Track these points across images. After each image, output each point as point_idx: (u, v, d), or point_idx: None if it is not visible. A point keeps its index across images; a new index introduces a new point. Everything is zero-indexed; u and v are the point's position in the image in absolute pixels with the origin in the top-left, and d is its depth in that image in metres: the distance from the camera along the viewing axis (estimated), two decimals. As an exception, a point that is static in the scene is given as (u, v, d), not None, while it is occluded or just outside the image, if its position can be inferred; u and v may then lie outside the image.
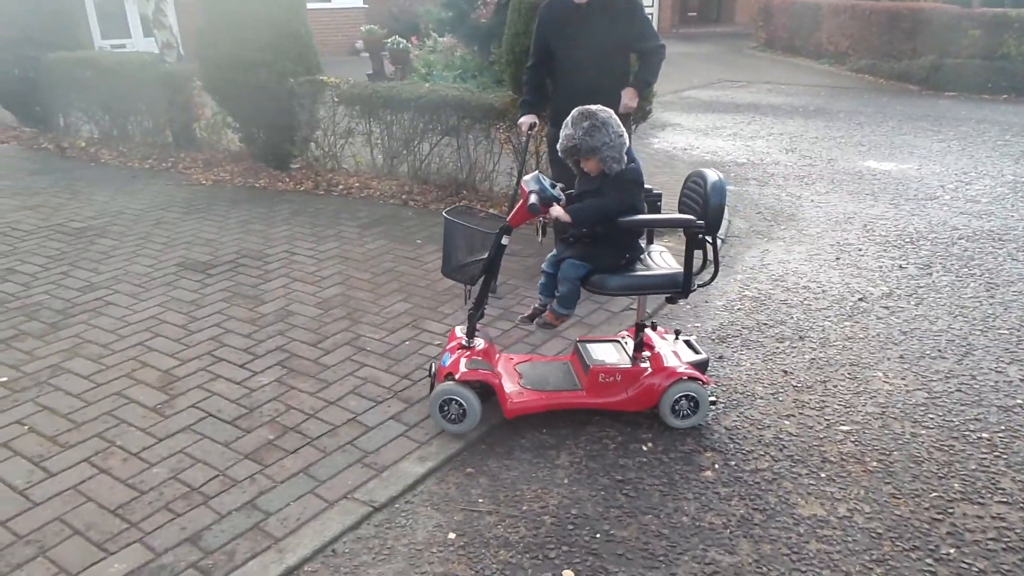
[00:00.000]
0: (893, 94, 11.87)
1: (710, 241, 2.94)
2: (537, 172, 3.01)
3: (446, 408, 2.96)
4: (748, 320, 4.05)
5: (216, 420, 3.07)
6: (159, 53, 7.49)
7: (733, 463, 2.83)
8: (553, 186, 2.92)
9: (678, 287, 2.94)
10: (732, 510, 2.58)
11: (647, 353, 3.16)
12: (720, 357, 3.65)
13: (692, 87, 12.72)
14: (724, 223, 5.54)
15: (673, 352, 3.16)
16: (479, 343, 3.15)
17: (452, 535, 2.48)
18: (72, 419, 3.07)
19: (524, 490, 2.70)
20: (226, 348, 3.66)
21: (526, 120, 4.38)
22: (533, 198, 2.81)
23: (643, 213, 2.99)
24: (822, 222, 5.69)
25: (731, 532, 2.47)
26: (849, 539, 2.43)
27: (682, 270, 2.92)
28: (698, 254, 2.91)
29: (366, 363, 3.54)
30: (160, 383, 3.34)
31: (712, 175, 2.93)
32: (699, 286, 3.02)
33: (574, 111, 2.89)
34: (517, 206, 2.94)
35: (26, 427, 3.01)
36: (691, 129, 9.24)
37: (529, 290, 4.30)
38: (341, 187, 6.42)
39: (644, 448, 2.93)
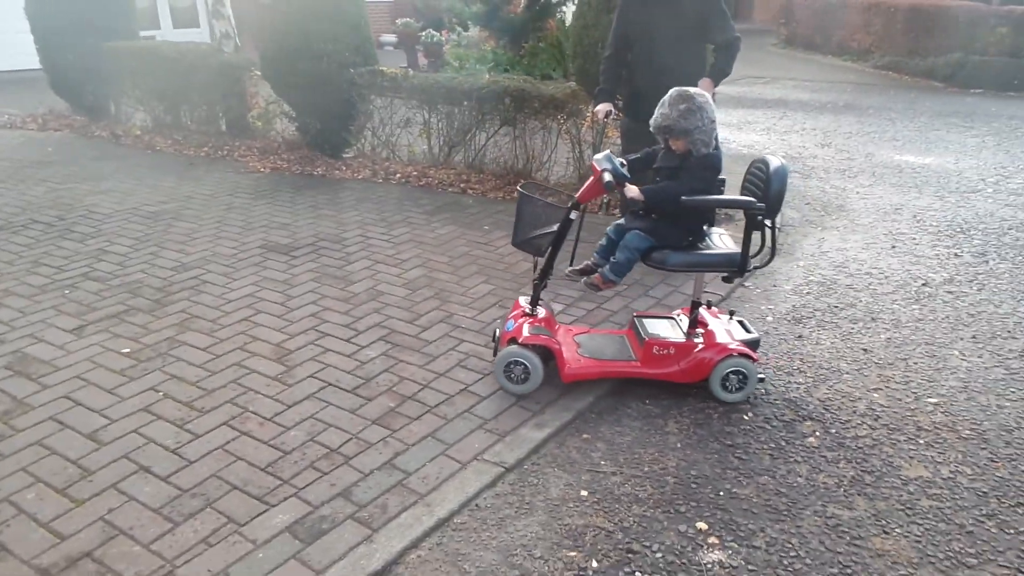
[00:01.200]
0: (919, 91, 12.02)
1: (769, 224, 3.10)
2: (608, 151, 3.15)
3: (511, 370, 3.18)
4: (819, 303, 4.22)
5: (337, 389, 3.25)
6: (217, 43, 7.63)
7: (833, 431, 3.01)
8: (623, 164, 3.08)
9: (735, 266, 3.10)
10: (842, 472, 2.75)
11: (701, 330, 3.31)
12: (799, 336, 3.82)
13: (719, 82, 12.85)
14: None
15: (726, 330, 3.32)
16: (541, 312, 3.35)
17: (584, 492, 2.66)
18: (201, 387, 3.25)
19: (641, 453, 2.88)
20: (328, 324, 3.83)
21: (603, 108, 4.54)
22: (607, 176, 2.97)
23: (711, 195, 3.13)
24: (871, 213, 5.85)
25: (845, 491, 2.65)
26: (957, 497, 2.61)
27: (739, 250, 3.08)
28: (756, 237, 3.07)
29: (464, 339, 3.71)
30: (275, 355, 3.52)
31: (775, 161, 3.07)
32: (755, 268, 3.20)
33: (672, 92, 3.04)
34: (587, 183, 3.12)
35: (161, 393, 3.19)
36: (723, 123, 9.37)
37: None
38: (399, 176, 6.59)
39: (745, 417, 3.11)
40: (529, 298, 3.35)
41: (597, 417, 3.12)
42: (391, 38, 15.76)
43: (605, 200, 3.23)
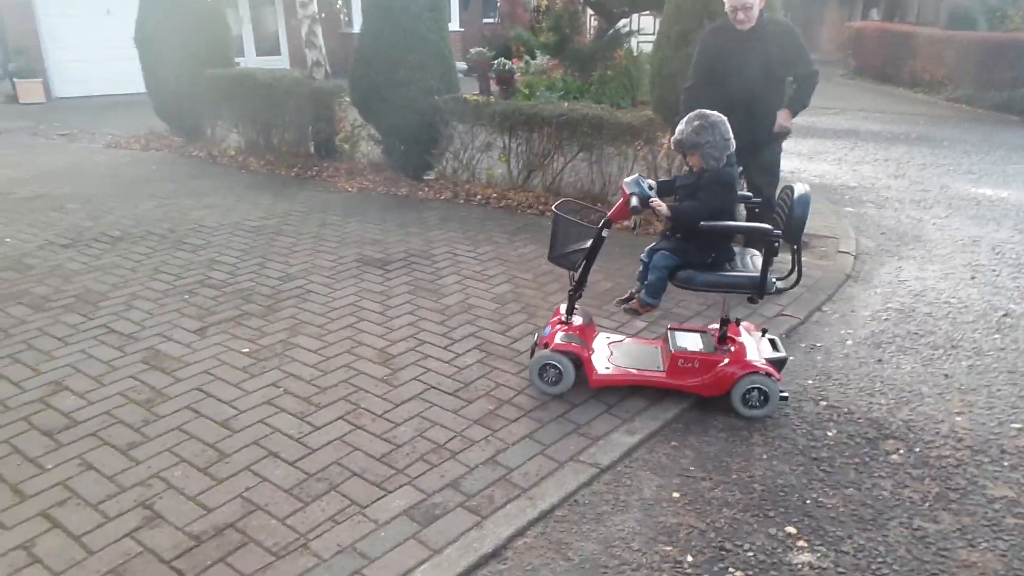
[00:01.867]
0: (994, 124, 11.85)
1: (795, 248, 3.30)
2: (637, 175, 3.41)
3: (544, 372, 3.46)
4: (898, 329, 4.30)
5: (439, 391, 3.50)
6: (308, 70, 8.12)
7: (917, 450, 3.11)
8: (651, 188, 3.33)
9: (756, 289, 3.28)
10: (927, 488, 2.86)
11: (731, 347, 3.44)
12: (879, 360, 3.92)
13: (787, 112, 12.90)
14: (852, 242, 5.80)
15: (755, 347, 3.45)
16: (577, 320, 3.60)
17: (676, 494, 2.83)
18: (316, 384, 3.54)
19: (728, 462, 3.04)
20: (425, 332, 4.10)
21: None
22: (634, 200, 3.22)
23: (734, 216, 3.37)
24: (949, 244, 5.88)
25: (930, 505, 2.76)
26: (1044, 516, 2.69)
27: (769, 277, 3.26)
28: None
29: (553, 351, 3.92)
30: (379, 359, 3.80)
31: (800, 188, 3.25)
32: (779, 290, 3.38)
33: (691, 113, 3.29)
34: (618, 204, 3.37)
35: (281, 389, 3.49)
36: (794, 153, 9.47)
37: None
38: (479, 197, 6.89)
39: (829, 434, 3.24)
40: (566, 306, 3.61)
41: (684, 427, 3.29)
42: (462, 65, 16.28)
43: (637, 221, 3.49)
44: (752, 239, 3.97)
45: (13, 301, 4.49)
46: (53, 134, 10.51)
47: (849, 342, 4.14)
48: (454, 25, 18.43)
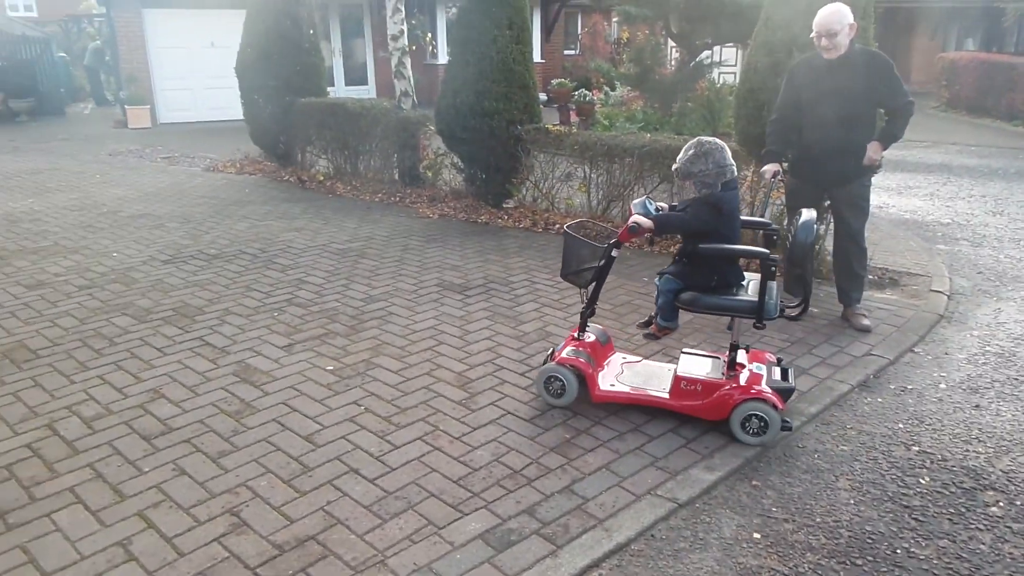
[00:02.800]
0: (1104, 160, 11.17)
1: (800, 275, 3.34)
2: (645, 198, 3.53)
3: (550, 383, 3.59)
4: (997, 374, 4.08)
5: (515, 417, 3.52)
6: (396, 100, 8.41)
7: (1019, 503, 2.94)
8: (658, 210, 3.46)
9: (754, 314, 3.28)
10: (1030, 545, 2.69)
11: (738, 373, 3.42)
12: (976, 407, 3.72)
13: (876, 146, 12.51)
14: (945, 281, 5.56)
15: (762, 375, 3.41)
16: (590, 337, 3.69)
17: (757, 535, 2.75)
18: (396, 405, 3.62)
19: (813, 505, 2.93)
20: (503, 358, 4.14)
21: (770, 168, 4.68)
22: (630, 220, 3.34)
23: (732, 240, 3.39)
24: (1054, 286, 5.56)
25: (1035, 564, 2.59)
26: None
27: (768, 299, 3.29)
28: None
29: (631, 382, 3.89)
30: (458, 382, 3.86)
31: (806, 214, 3.30)
32: (789, 317, 3.47)
33: (691, 140, 3.37)
34: (625, 225, 3.43)
35: (362, 408, 3.59)
36: (882, 187, 9.16)
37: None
38: (558, 226, 6.94)
39: (922, 481, 3.09)
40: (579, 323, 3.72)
41: (766, 466, 3.20)
42: (542, 96, 16.52)
43: (649, 238, 3.68)
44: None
45: (119, 312, 4.78)
46: (157, 157, 11.18)
47: (943, 385, 3.96)
48: (536, 56, 18.77)
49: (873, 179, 4.93)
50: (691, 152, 3.31)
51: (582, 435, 3.38)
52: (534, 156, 7.22)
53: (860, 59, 4.40)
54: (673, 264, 3.56)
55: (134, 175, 9.70)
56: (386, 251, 6.18)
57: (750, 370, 3.44)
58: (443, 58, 16.93)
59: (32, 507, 2.83)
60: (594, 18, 21.19)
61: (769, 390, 3.33)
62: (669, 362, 3.85)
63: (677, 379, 3.46)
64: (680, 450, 3.27)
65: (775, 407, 3.28)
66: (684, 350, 3.78)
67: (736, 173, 3.38)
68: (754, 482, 3.08)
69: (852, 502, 2.95)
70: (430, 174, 8.29)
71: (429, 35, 16.90)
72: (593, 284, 3.61)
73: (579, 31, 21.86)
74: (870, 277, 5.57)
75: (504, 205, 7.61)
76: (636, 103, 13.50)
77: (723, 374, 3.45)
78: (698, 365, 3.57)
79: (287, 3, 9.13)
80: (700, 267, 3.44)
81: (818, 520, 2.84)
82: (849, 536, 2.75)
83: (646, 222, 3.34)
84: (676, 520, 2.83)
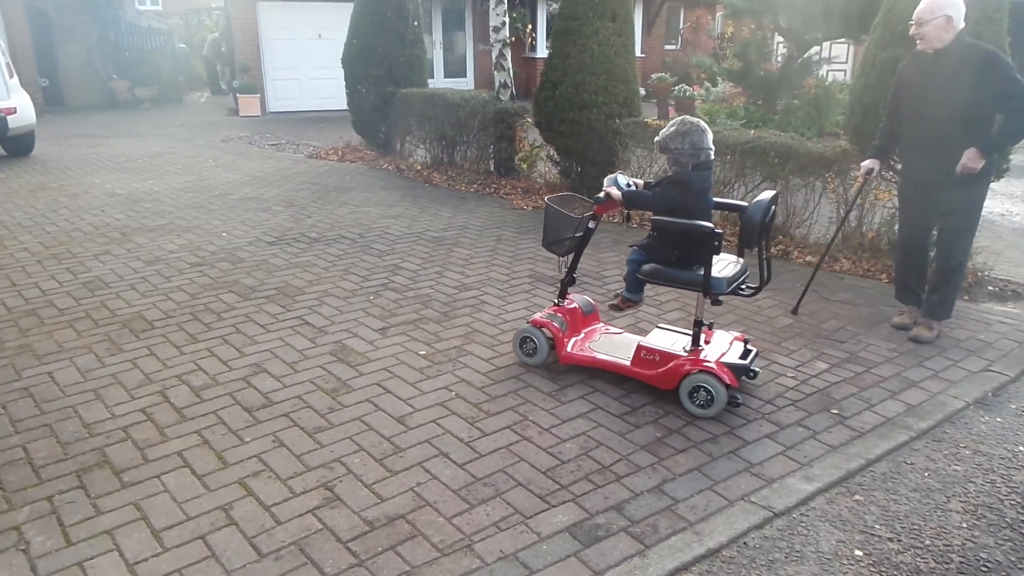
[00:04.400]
0: None
1: (758, 252, 3.48)
2: (618, 173, 3.71)
3: (524, 344, 3.88)
4: None
5: (605, 412, 3.48)
6: (495, 91, 8.46)
7: None
8: (629, 186, 3.63)
9: (700, 287, 3.42)
10: None
11: (698, 347, 3.55)
12: (1112, 433, 3.41)
13: (1000, 150, 11.68)
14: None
15: (720, 351, 3.55)
16: (571, 304, 3.93)
17: (859, 552, 2.61)
18: (486, 392, 3.64)
19: (921, 525, 2.76)
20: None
21: (867, 164, 4.45)
22: (601, 193, 3.57)
23: (697, 218, 3.40)
24: None
25: None
26: None
27: (724, 277, 3.43)
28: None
29: (726, 384, 3.78)
30: (548, 374, 3.84)
31: (766, 194, 3.47)
32: (746, 295, 3.60)
33: (677, 118, 3.47)
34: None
35: (453, 393, 3.62)
36: (1005, 194, 8.56)
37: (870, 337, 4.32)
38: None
39: (1046, 509, 2.86)
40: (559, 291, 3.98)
41: (870, 481, 3.03)
42: (641, 91, 16.30)
43: (625, 213, 3.99)
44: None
45: (226, 289, 5.01)
46: (265, 144, 11.67)
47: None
48: (636, 51, 18.53)
49: (996, 185, 4.54)
50: (672, 129, 3.43)
51: (673, 435, 3.30)
52: (631, 150, 7.11)
53: (960, 54, 3.95)
54: (646, 238, 3.69)
55: (243, 160, 10.16)
56: (480, 241, 6.23)
57: (710, 346, 3.59)
58: (542, 51, 16.94)
59: (145, 467, 3.00)
60: (697, 12, 20.70)
61: (718, 365, 3.41)
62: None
63: (639, 348, 3.63)
64: (777, 457, 3.15)
65: (723, 382, 3.36)
66: (660, 325, 3.99)
67: (712, 157, 3.47)
68: (856, 496, 2.93)
69: (965, 526, 2.76)
70: (525, 166, 8.30)
71: (530, 27, 16.92)
72: (572, 254, 3.82)
73: (681, 25, 21.39)
74: (990, 288, 5.21)
75: (598, 199, 7.52)
76: (738, 99, 13.10)
77: (684, 348, 3.58)
78: (665, 338, 3.72)
79: (393, -4, 9.34)
80: (664, 242, 3.57)
81: (927, 542, 2.67)
82: (961, 562, 2.57)
83: (616, 193, 3.56)
84: (771, 529, 2.72)
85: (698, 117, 3.62)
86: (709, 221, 3.45)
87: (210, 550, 2.55)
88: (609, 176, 3.67)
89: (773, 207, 3.53)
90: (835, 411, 3.53)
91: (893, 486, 3.00)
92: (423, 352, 4.07)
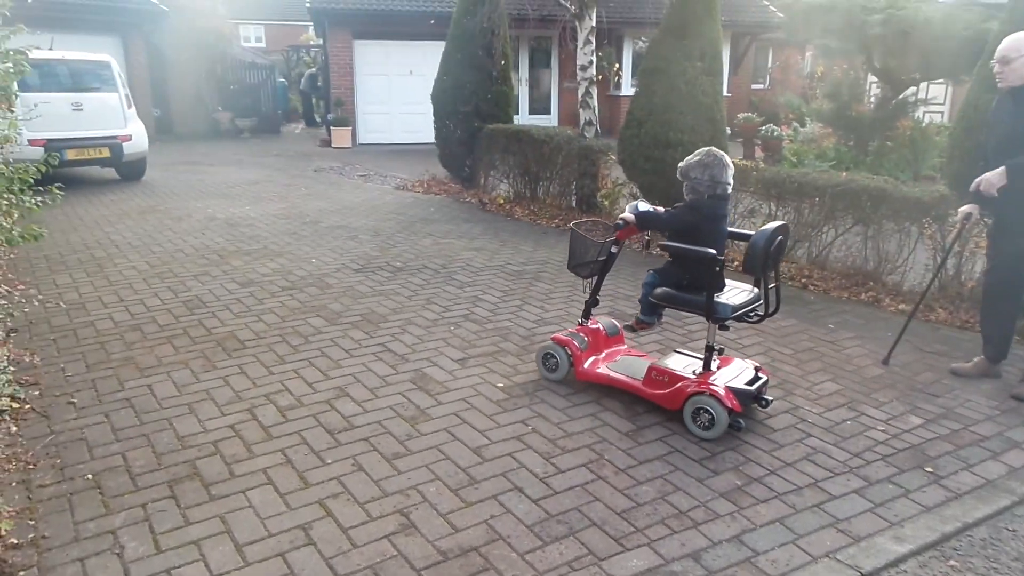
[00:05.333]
0: None
1: (764, 282, 3.65)
2: (639, 200, 4.04)
3: (546, 360, 4.11)
4: None
5: (684, 456, 3.41)
6: (580, 128, 8.54)
7: None
8: (648, 211, 3.83)
9: (703, 311, 3.58)
10: None
11: (707, 372, 3.65)
12: None
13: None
14: None
15: (728, 376, 3.62)
16: (595, 325, 4.13)
17: (955, 622, 2.46)
18: (562, 428, 3.63)
19: (1026, 599, 2.58)
20: (673, 394, 4.03)
21: (964, 209, 4.28)
22: (619, 219, 3.84)
23: (709, 245, 3.53)
24: None
25: None
26: None
27: (727, 301, 3.56)
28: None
29: (811, 434, 3.64)
30: (626, 413, 3.80)
31: (772, 224, 3.57)
32: (752, 321, 3.75)
33: (703, 148, 3.69)
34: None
35: (529, 428, 3.63)
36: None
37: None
38: (736, 263, 6.68)
39: None
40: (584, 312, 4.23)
41: (967, 546, 2.85)
42: (726, 130, 16.13)
43: (645, 241, 4.34)
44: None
45: (314, 313, 5.20)
46: (354, 175, 12.11)
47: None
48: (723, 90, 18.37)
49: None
50: (696, 159, 3.62)
51: (755, 483, 3.20)
52: (716, 190, 7.02)
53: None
54: (663, 264, 3.90)
55: (334, 190, 10.56)
56: (560, 276, 6.26)
57: (722, 372, 3.67)
58: (626, 90, 17.01)
59: (232, 482, 3.12)
60: (787, 52, 20.40)
61: (723, 389, 3.50)
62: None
63: (651, 369, 3.78)
64: (865, 514, 3.01)
65: (724, 404, 3.45)
66: (677, 349, 4.14)
67: (729, 191, 3.66)
68: (952, 562, 2.76)
69: (1078, 604, 2.56)
70: (607, 203, 8.31)
71: (617, 66, 17.05)
72: (595, 277, 4.06)
73: (769, 64, 21.12)
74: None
75: (618, 224, 7.45)
76: (828, 140, 12.80)
77: (693, 372, 3.68)
78: (679, 362, 3.84)
79: (483, 35, 9.61)
80: (677, 267, 3.76)
81: (1032, 617, 2.49)
82: (1072, 642, 2.38)
83: (630, 217, 3.79)
84: (857, 591, 2.60)
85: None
86: (721, 249, 3.60)
87: (289, 568, 2.62)
88: (631, 203, 3.92)
89: (780, 237, 3.61)
90: (929, 469, 3.35)
91: (994, 554, 2.81)
92: (501, 384, 4.10)
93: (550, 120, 17.49)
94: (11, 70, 4.02)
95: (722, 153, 3.61)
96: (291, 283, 5.89)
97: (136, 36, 14.99)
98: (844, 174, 6.40)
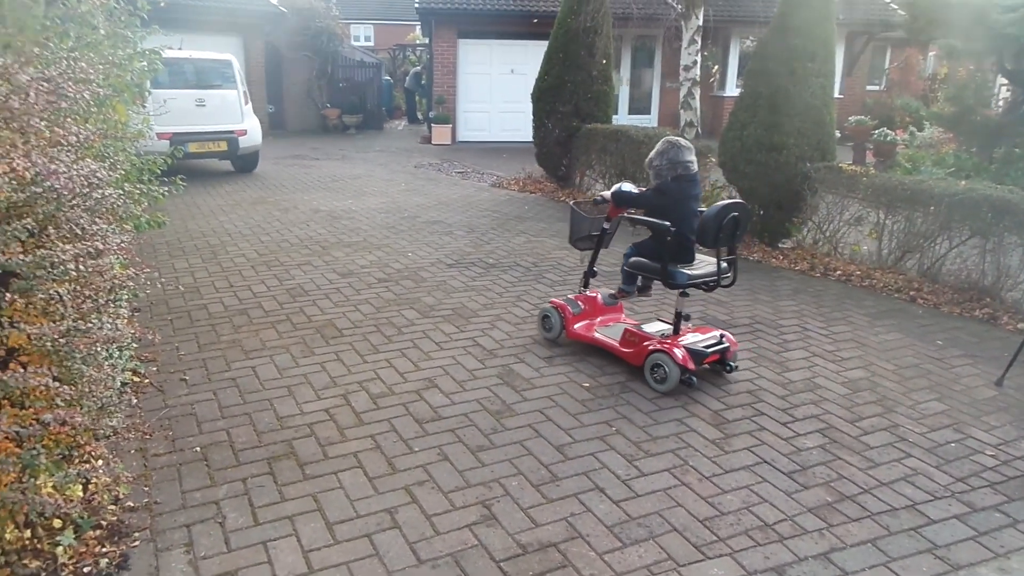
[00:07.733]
0: None
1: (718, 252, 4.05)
2: (623, 182, 4.46)
3: (544, 321, 4.69)
4: None
5: (771, 467, 3.32)
6: (681, 129, 8.41)
7: None
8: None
9: (659, 277, 4.11)
10: None
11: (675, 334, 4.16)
12: None
13: None
14: None
15: (688, 338, 4.08)
16: (593, 294, 4.67)
17: (1063, 665, 2.29)
18: (647, 432, 3.60)
19: None
20: (764, 404, 3.93)
21: None
22: (598, 196, 4.44)
23: (678, 222, 3.95)
24: None
25: None
26: None
27: (687, 272, 4.07)
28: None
29: (912, 454, 3.47)
30: (713, 420, 3.73)
31: (724, 201, 4.05)
32: (705, 289, 4.18)
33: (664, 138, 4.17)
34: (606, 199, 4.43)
35: (613, 428, 3.63)
36: None
37: None
38: (839, 273, 6.42)
39: None
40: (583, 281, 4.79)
41: (1082, 586, 2.65)
42: (836, 134, 15.45)
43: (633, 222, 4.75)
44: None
45: (408, 305, 5.36)
46: (452, 172, 12.35)
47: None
48: (834, 91, 17.58)
49: None
50: (656, 149, 4.08)
51: (847, 501, 3.08)
52: (821, 196, 6.77)
53: None
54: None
55: (432, 186, 10.81)
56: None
57: (690, 337, 4.09)
58: (730, 91, 16.57)
59: (325, 463, 3.28)
60: (907, 52, 19.32)
61: (681, 350, 3.91)
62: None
63: (626, 331, 4.26)
64: (966, 542, 2.85)
65: (676, 361, 3.87)
66: (659, 317, 4.71)
67: (692, 170, 4.03)
68: (1064, 601, 2.57)
69: None
70: (703, 206, 8.13)
71: (717, 67, 16.64)
72: (593, 251, 4.60)
73: (886, 65, 20.05)
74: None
75: (780, 244, 7.24)
76: (947, 146, 12.03)
77: (662, 335, 4.14)
78: (654, 327, 4.30)
79: (586, 35, 9.59)
80: (651, 240, 4.18)
81: None
82: None
83: (607, 195, 4.32)
84: (955, 622, 2.46)
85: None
86: (690, 226, 4.03)
87: (375, 549, 2.73)
88: (616, 185, 4.37)
89: (735, 213, 3.91)
90: (1044, 500, 3.13)
91: (1113, 597, 2.61)
92: (587, 384, 4.10)
93: (650, 121, 17.25)
94: (146, 68, 4.34)
95: (678, 139, 4.09)
96: (387, 275, 6.09)
97: (255, 36, 15.80)
98: (963, 183, 6.03)
